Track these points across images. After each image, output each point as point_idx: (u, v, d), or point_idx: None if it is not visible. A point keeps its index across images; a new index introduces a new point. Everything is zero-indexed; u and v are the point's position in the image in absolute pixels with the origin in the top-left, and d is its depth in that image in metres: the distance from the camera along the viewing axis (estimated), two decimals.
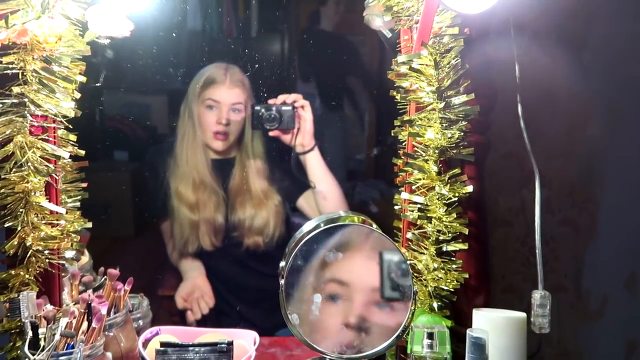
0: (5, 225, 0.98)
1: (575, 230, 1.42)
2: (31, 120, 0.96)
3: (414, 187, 1.05)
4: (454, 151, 1.02)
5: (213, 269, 1.59)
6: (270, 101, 1.41)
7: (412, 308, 0.97)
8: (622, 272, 1.39)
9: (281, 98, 1.40)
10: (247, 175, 1.52)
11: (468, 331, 0.92)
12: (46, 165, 0.98)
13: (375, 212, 2.78)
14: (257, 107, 1.39)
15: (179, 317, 1.66)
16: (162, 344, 1.01)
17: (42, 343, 0.88)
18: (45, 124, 0.98)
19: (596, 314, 1.41)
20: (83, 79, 1.04)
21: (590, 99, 1.37)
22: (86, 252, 1.17)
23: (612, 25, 1.34)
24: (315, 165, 1.44)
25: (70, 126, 1.03)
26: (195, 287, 1.57)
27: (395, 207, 1.13)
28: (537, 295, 1.00)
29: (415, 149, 1.04)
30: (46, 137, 0.98)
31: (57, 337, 0.87)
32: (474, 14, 0.83)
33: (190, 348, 1.00)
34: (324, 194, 1.46)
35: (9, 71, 0.94)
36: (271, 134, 1.42)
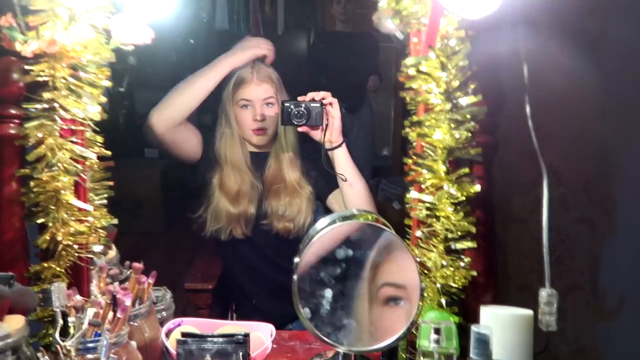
0: (38, 222, 1.05)
1: (591, 228, 1.40)
2: (61, 124, 1.02)
3: (423, 186, 1.08)
4: (462, 151, 1.04)
5: (238, 255, 1.64)
6: (300, 98, 1.43)
7: (420, 304, 1.00)
8: None
9: (310, 95, 1.43)
10: (281, 165, 1.57)
11: (472, 327, 0.94)
12: (75, 166, 1.04)
13: (399, 209, 2.78)
14: (287, 104, 1.41)
15: (207, 310, 1.73)
16: (183, 335, 1.06)
17: (71, 331, 0.93)
18: (73, 127, 1.05)
19: (614, 313, 1.40)
20: (108, 83, 1.09)
21: (606, 97, 1.35)
22: (113, 246, 1.24)
23: (631, 21, 1.32)
24: (343, 162, 1.46)
25: (97, 128, 1.09)
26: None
27: (406, 206, 1.16)
28: (544, 293, 1.01)
29: (424, 149, 1.07)
30: (75, 139, 1.05)
31: (85, 325, 0.93)
32: (476, 18, 0.85)
33: (209, 339, 1.05)
34: (351, 191, 1.48)
35: (40, 78, 1.00)
36: (300, 129, 1.45)
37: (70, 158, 1.04)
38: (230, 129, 1.57)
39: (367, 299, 1.02)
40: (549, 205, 1.06)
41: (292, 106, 1.41)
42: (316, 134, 1.44)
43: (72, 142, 1.04)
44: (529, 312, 0.99)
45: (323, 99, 1.42)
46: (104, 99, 1.09)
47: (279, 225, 1.56)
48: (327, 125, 1.42)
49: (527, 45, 1.02)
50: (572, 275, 1.42)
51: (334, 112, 1.42)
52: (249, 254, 1.63)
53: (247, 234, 1.58)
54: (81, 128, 1.06)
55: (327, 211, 1.60)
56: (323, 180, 1.56)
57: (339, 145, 1.45)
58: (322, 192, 1.59)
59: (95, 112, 1.05)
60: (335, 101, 1.43)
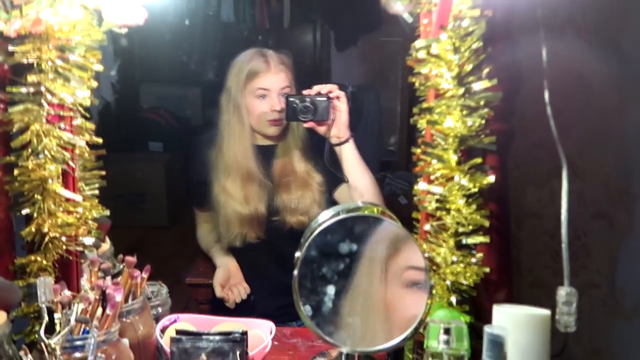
0: (23, 212, 1.00)
1: (609, 225, 1.34)
2: (47, 109, 0.98)
3: (432, 177, 1.02)
4: (475, 140, 0.98)
5: (249, 255, 1.59)
6: (305, 92, 1.38)
7: (429, 302, 0.94)
8: None
9: (316, 89, 1.37)
10: (292, 157, 1.53)
11: (486, 328, 0.88)
12: (62, 153, 1.00)
13: (405, 203, 2.74)
14: (292, 99, 1.36)
15: (208, 305, 1.68)
16: (178, 332, 1.01)
17: (57, 328, 0.90)
18: (61, 113, 1.00)
19: (632, 313, 1.34)
20: (100, 67, 1.04)
21: (629, 85, 1.29)
22: (107, 239, 1.19)
23: None
24: (351, 158, 1.42)
25: (87, 115, 1.04)
26: (230, 274, 1.58)
27: (414, 198, 1.10)
28: (563, 292, 0.94)
29: (434, 137, 1.01)
30: (63, 126, 1.00)
31: (72, 322, 0.89)
32: None
33: (204, 337, 1.01)
34: (358, 186, 1.44)
35: (25, 60, 0.95)
36: (306, 125, 1.40)
37: (58, 145, 0.99)
38: (239, 120, 1.51)
39: (374, 295, 0.96)
40: (564, 199, 1.00)
41: (297, 101, 1.35)
42: (322, 129, 1.39)
43: (60, 128, 1.00)
44: (546, 311, 0.93)
45: (330, 92, 1.36)
46: (94, 84, 1.04)
47: (292, 219, 1.52)
48: (333, 119, 1.37)
49: (545, 26, 0.95)
50: (589, 273, 1.35)
51: (341, 106, 1.38)
52: (261, 252, 1.59)
53: (261, 236, 1.53)
54: (70, 114, 1.01)
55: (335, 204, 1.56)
56: (329, 174, 1.51)
57: (346, 141, 1.41)
58: (329, 186, 1.55)
59: (84, 96, 1.01)
60: (342, 94, 1.38)
